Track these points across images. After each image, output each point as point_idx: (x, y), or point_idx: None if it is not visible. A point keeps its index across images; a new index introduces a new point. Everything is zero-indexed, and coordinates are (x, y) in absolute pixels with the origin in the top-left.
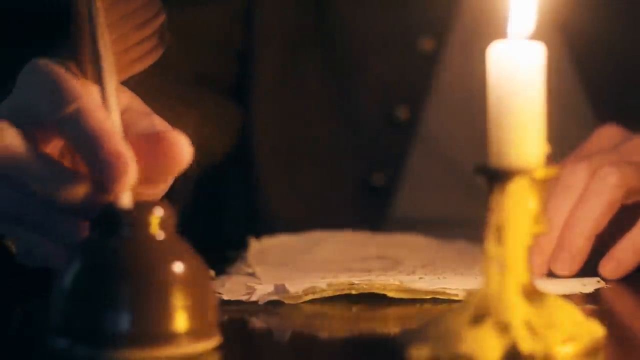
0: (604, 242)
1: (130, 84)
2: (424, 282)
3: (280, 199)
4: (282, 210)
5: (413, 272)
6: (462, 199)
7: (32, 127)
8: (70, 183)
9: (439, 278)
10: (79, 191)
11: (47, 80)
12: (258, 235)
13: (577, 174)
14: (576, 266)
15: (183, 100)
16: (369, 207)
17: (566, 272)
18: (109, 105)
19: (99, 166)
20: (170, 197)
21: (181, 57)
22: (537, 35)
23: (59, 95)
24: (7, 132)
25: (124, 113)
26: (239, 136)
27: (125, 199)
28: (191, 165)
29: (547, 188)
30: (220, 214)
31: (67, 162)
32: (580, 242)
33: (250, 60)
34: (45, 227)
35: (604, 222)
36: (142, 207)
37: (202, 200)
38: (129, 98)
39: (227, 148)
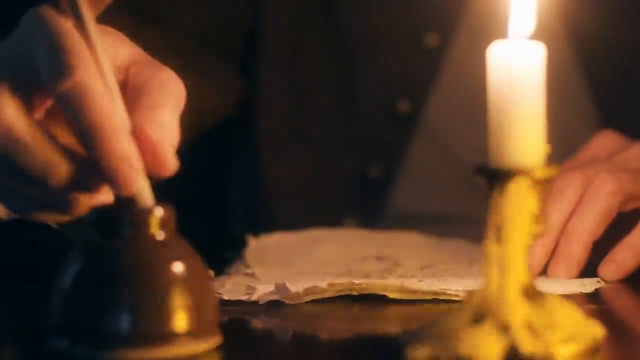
0: (602, 246)
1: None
2: (424, 285)
3: (278, 189)
4: (280, 202)
5: (413, 276)
6: (463, 195)
7: (29, 88)
8: (66, 169)
9: (438, 281)
10: (76, 178)
11: (47, 36)
12: (257, 232)
13: (571, 182)
14: (573, 273)
15: (181, 56)
16: (365, 200)
17: (563, 279)
18: (107, 81)
19: (103, 165)
20: None
21: (188, 18)
22: (542, 33)
23: (59, 59)
24: (7, 105)
25: (129, 67)
26: (238, 109)
27: (145, 196)
28: (184, 130)
29: (542, 195)
30: (220, 211)
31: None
32: (578, 250)
33: (257, 46)
34: (40, 201)
35: (601, 229)
36: (142, 208)
37: (203, 196)
38: (131, 48)
39: (223, 114)
